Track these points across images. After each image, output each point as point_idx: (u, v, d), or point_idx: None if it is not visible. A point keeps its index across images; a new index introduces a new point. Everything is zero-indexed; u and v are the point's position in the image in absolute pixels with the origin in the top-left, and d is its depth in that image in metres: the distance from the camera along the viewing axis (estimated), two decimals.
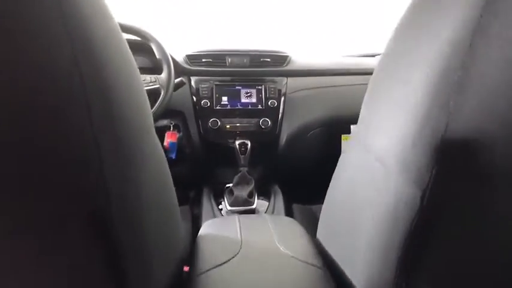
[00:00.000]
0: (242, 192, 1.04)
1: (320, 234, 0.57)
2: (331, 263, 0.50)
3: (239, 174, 1.08)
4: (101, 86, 0.29)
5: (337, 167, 0.56)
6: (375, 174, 0.39)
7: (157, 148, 0.43)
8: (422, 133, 0.30)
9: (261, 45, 1.43)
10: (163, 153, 0.47)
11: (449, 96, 0.28)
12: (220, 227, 0.59)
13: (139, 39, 1.08)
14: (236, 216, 0.63)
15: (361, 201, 0.43)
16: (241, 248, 0.50)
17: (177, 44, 1.46)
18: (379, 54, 1.70)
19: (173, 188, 0.50)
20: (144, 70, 1.33)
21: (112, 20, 0.34)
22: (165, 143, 1.21)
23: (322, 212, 0.59)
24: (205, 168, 1.29)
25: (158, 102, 1.00)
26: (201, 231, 0.60)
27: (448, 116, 0.28)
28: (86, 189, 0.29)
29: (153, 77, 1.03)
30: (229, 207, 1.04)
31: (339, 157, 1.32)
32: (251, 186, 1.07)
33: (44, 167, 0.27)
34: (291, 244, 0.53)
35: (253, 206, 1.04)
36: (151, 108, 0.98)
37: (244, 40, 1.71)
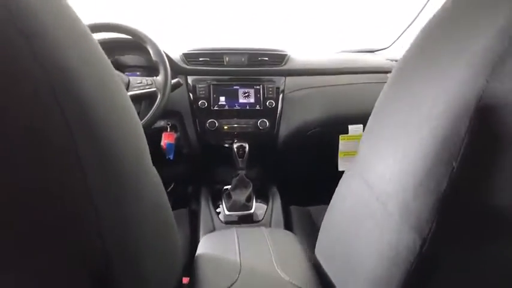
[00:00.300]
0: (240, 197, 1.05)
1: (319, 252, 0.58)
2: (329, 286, 0.51)
3: (237, 178, 1.08)
4: (76, 99, 0.27)
5: (337, 188, 0.56)
6: (375, 211, 0.39)
7: (151, 170, 0.42)
8: (423, 186, 0.30)
9: (257, 41, 1.42)
10: (159, 178, 0.47)
11: (453, 156, 0.28)
12: (219, 245, 0.59)
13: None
14: (235, 232, 0.63)
15: (362, 231, 0.43)
16: (240, 272, 0.50)
17: (173, 40, 1.43)
18: (378, 50, 1.70)
19: (168, 204, 0.49)
20: (140, 68, 1.31)
21: (79, 28, 0.32)
22: (162, 144, 1.20)
23: (321, 229, 0.59)
24: (203, 169, 1.29)
25: (155, 106, 0.98)
26: (200, 248, 0.60)
27: (451, 175, 0.28)
28: (76, 219, 0.29)
29: (149, 79, 1.02)
30: (227, 212, 1.04)
31: (336, 158, 1.33)
32: (249, 190, 1.08)
33: (30, 192, 0.26)
34: (290, 267, 0.53)
35: (251, 211, 1.05)
36: (149, 112, 0.97)
37: (238, 35, 1.69)
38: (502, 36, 0.26)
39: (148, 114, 0.97)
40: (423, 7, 1.37)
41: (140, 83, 1.01)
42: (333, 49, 1.75)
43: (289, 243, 0.62)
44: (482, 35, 0.27)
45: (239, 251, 0.55)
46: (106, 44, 1.21)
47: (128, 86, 1.00)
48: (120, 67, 1.31)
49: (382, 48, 1.70)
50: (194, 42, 1.33)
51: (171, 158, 1.23)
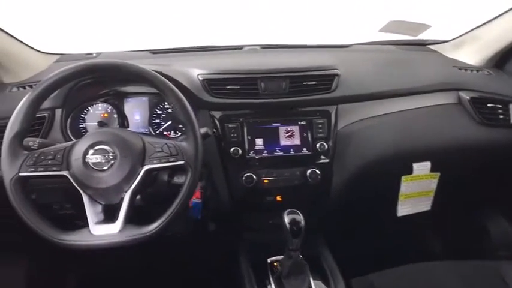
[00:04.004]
0: None
1: None
2: None
3: (290, 262, 0.84)
4: None
5: None
6: None
7: None
8: None
9: (300, 58, 1.09)
10: None
11: None
12: None
13: None
14: None
15: None
16: None
17: None
18: (432, 43, 1.37)
19: None
20: (144, 95, 1.01)
21: None
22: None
23: None
24: (238, 229, 1.05)
25: (185, 187, 0.71)
26: None
27: None
28: None
29: (172, 145, 0.72)
30: None
31: (395, 203, 1.09)
32: (307, 278, 0.85)
33: None
34: None
35: None
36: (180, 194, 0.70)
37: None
38: None
39: (178, 200, 0.70)
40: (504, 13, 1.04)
41: (161, 152, 0.72)
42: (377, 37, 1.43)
43: None
44: None
45: None
46: (104, 76, 0.90)
47: (143, 157, 0.72)
48: (120, 95, 1.01)
49: (437, 41, 1.38)
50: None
51: (198, 218, 0.98)
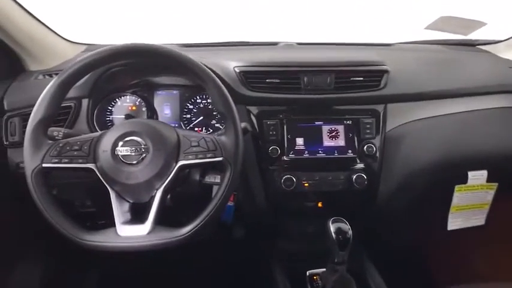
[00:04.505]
0: None
1: None
2: None
3: (335, 278, 0.75)
4: None
5: None
6: None
7: None
8: None
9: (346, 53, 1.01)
10: None
11: None
12: None
13: None
14: None
15: None
16: None
17: None
18: (482, 43, 1.27)
19: None
20: (177, 87, 0.94)
21: None
22: None
23: None
24: (272, 237, 0.96)
25: (223, 187, 0.63)
26: None
27: None
28: None
29: (209, 139, 0.64)
30: None
31: (446, 215, 0.98)
32: None
33: None
34: None
35: None
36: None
37: None
38: None
39: (215, 201, 0.62)
40: None
41: (197, 146, 0.64)
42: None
43: None
44: None
45: None
46: (138, 63, 0.83)
47: (178, 152, 0.64)
48: (150, 87, 0.94)
49: (488, 41, 1.27)
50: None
51: (229, 221, 0.90)
